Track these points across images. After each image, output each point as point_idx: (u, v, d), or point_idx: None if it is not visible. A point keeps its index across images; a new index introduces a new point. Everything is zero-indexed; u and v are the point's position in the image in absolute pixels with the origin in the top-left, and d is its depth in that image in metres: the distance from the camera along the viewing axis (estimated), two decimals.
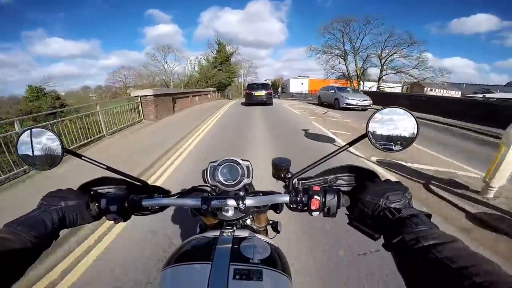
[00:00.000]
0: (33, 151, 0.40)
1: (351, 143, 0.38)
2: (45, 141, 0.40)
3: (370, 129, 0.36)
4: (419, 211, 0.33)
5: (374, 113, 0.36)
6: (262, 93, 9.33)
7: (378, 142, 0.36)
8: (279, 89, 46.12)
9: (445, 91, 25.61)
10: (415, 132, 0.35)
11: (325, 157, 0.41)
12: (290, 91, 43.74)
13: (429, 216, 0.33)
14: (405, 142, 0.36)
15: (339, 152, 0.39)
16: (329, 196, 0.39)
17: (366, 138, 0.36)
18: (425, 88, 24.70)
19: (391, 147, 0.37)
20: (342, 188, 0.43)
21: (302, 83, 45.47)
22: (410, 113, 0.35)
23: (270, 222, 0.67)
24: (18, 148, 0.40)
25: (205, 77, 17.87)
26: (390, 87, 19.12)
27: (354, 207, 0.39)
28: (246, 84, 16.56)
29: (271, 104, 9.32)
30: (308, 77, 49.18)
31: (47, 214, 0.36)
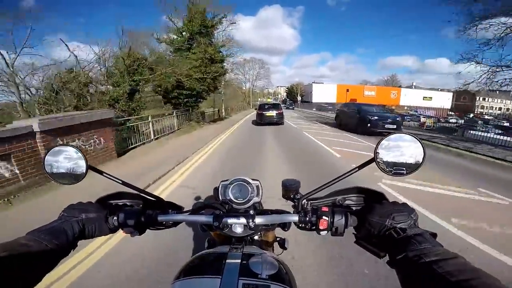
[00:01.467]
0: (59, 168, 0.49)
1: (359, 167, 0.46)
2: (71, 158, 0.49)
3: (378, 154, 0.44)
4: (424, 231, 0.40)
5: (382, 139, 0.44)
6: (273, 113, 10.85)
7: (385, 166, 0.44)
8: (298, 97, 46.89)
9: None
10: (421, 158, 0.43)
11: (333, 179, 0.49)
12: (313, 100, 44.00)
13: (434, 235, 0.40)
14: (411, 168, 0.43)
15: (348, 176, 0.47)
16: (337, 217, 0.48)
17: (374, 162, 0.43)
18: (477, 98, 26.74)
19: (397, 171, 0.44)
20: (351, 209, 0.52)
21: (329, 90, 44.93)
22: (418, 140, 0.43)
23: (278, 239, 0.78)
24: (45, 165, 0.49)
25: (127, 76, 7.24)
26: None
27: (361, 227, 0.47)
28: (257, 101, 23.86)
29: (282, 123, 10.94)
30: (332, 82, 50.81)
31: (69, 225, 0.44)
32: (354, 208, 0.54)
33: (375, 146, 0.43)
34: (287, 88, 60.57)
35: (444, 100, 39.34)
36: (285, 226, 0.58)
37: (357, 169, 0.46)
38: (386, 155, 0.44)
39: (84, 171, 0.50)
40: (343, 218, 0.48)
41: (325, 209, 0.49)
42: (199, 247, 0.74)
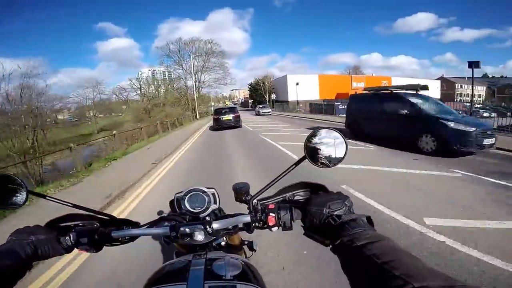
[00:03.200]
0: None
1: (296, 164, 0.61)
2: (9, 184, 0.61)
3: (307, 149, 0.59)
4: (358, 216, 0.53)
5: (310, 135, 0.59)
6: (230, 116, 14.10)
7: (314, 160, 0.59)
8: (271, 96, 43.92)
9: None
10: (344, 151, 0.59)
11: (275, 178, 0.64)
12: (290, 98, 42.05)
13: (369, 218, 0.53)
14: (337, 160, 0.59)
15: (286, 174, 0.63)
16: (283, 212, 0.62)
17: (306, 159, 0.59)
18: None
19: (323, 163, 0.59)
20: (298, 203, 0.66)
21: (309, 83, 43.53)
22: (341, 135, 0.59)
23: (245, 242, 1.03)
24: None
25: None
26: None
27: (306, 219, 0.61)
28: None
29: (240, 126, 14.30)
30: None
31: (20, 246, 0.52)
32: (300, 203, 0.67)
33: (304, 141, 0.59)
34: (250, 86, 56.27)
35: (433, 89, 41.75)
36: (249, 228, 0.67)
37: (294, 165, 0.62)
38: (313, 150, 0.59)
39: (24, 197, 0.62)
40: (288, 212, 0.62)
41: (271, 206, 0.64)
42: (168, 261, 0.75)
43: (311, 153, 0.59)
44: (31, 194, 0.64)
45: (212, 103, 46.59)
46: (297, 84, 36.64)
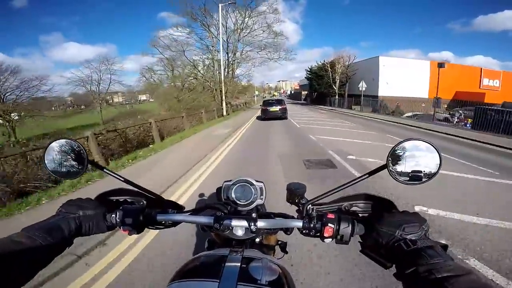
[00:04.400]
0: (59, 162, 0.64)
1: (370, 173, 0.59)
2: (71, 152, 0.64)
3: (390, 160, 0.56)
4: (435, 243, 0.50)
5: (395, 146, 0.56)
6: (277, 108, 16.06)
7: (397, 175, 0.56)
8: (345, 88, 32.96)
9: None
10: (437, 167, 0.54)
11: (341, 186, 0.63)
12: (381, 92, 28.80)
13: (445, 247, 0.50)
14: (426, 176, 0.55)
15: (357, 182, 0.61)
16: (343, 224, 0.59)
17: (386, 169, 0.56)
18: None
19: (409, 181, 0.55)
20: (357, 216, 0.67)
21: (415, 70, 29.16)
22: (434, 147, 0.54)
23: (279, 242, 1.00)
24: (46, 159, 0.64)
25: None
26: None
27: (368, 236, 0.58)
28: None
29: (286, 118, 16.28)
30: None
31: (65, 222, 0.57)
32: (360, 215, 0.68)
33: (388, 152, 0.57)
34: (309, 72, 40.01)
35: None
36: (287, 230, 0.72)
37: (367, 175, 0.59)
38: (399, 163, 0.55)
39: (84, 166, 0.65)
40: (350, 225, 0.59)
41: (331, 216, 0.61)
42: (199, 247, 1.05)
43: (395, 163, 0.57)
44: (90, 164, 0.67)
45: (257, 93, 40.41)
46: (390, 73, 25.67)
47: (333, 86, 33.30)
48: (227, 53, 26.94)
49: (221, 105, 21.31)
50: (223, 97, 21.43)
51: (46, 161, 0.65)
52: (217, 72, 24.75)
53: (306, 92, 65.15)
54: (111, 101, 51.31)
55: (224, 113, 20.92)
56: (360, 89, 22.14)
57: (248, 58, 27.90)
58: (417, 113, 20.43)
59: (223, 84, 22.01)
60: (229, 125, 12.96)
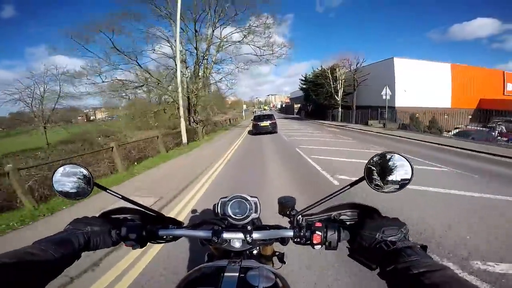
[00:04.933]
0: (66, 184, 0.71)
1: (351, 185, 0.65)
2: (77, 175, 0.71)
3: (367, 171, 0.62)
4: (414, 243, 0.54)
5: (372, 158, 0.63)
6: (267, 123, 16.34)
7: (375, 184, 0.62)
8: (353, 98, 26.16)
9: None
10: (410, 175, 0.61)
11: (326, 197, 0.70)
12: (398, 103, 22.31)
13: (424, 247, 0.54)
14: (399, 185, 0.62)
15: (340, 193, 0.67)
16: (330, 231, 0.65)
17: (365, 180, 0.63)
18: None
19: (386, 189, 0.62)
20: (345, 224, 0.72)
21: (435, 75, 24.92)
22: (405, 158, 0.62)
23: (276, 253, 1.04)
24: (54, 182, 0.71)
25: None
26: None
27: (354, 241, 0.64)
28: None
29: (276, 132, 16.45)
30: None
31: (75, 236, 0.61)
32: (348, 223, 0.73)
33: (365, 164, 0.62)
34: (303, 81, 34.85)
35: None
36: (283, 241, 0.77)
37: (349, 186, 0.66)
38: (375, 173, 0.62)
39: (90, 188, 0.71)
40: (336, 232, 0.65)
41: (318, 224, 0.67)
42: (198, 260, 0.87)
43: (371, 175, 0.63)
44: (96, 187, 0.71)
45: (245, 107, 38.62)
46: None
47: (335, 96, 27.23)
48: (196, 48, 17.30)
49: (183, 126, 12.25)
50: (181, 113, 12.39)
51: (54, 183, 0.71)
52: (185, 77, 16.27)
53: (299, 105, 59.05)
54: (93, 117, 45.59)
55: (184, 139, 11.95)
56: (384, 97, 16.25)
57: (230, 54, 18.86)
58: (460, 128, 15.08)
59: (179, 90, 12.53)
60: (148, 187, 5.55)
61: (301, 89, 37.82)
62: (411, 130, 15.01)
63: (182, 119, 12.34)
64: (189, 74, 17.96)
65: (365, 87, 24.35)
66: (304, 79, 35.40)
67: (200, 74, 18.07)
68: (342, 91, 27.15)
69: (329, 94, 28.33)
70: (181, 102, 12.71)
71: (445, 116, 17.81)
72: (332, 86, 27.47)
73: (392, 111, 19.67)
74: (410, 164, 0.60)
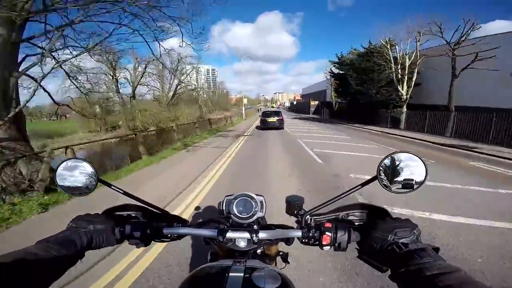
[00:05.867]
0: (70, 179, 0.67)
1: (362, 184, 0.63)
2: (82, 170, 0.68)
3: (380, 171, 0.60)
4: (426, 245, 0.53)
5: (384, 158, 0.61)
6: (275, 119, 16.60)
7: (387, 184, 0.60)
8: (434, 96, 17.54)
9: None
10: (423, 176, 0.59)
11: (336, 196, 0.67)
12: None
13: (436, 249, 0.53)
14: (413, 186, 0.59)
15: (351, 193, 0.65)
16: (340, 232, 0.63)
17: (377, 180, 0.61)
18: None
19: (399, 189, 0.60)
20: (353, 224, 0.70)
21: None
22: (419, 158, 0.59)
23: (280, 253, 1.02)
24: (57, 177, 0.68)
25: None
26: None
27: (364, 242, 0.62)
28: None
29: (282, 128, 16.61)
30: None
31: (77, 235, 0.59)
32: (357, 224, 0.71)
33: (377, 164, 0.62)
34: (337, 62, 23.40)
35: None
36: (288, 240, 0.77)
37: (360, 186, 0.64)
38: (388, 174, 0.60)
39: (94, 183, 0.68)
40: (346, 233, 0.64)
41: (328, 224, 0.65)
42: (201, 259, 0.94)
43: (383, 175, 0.61)
44: (100, 182, 0.69)
45: (245, 101, 34.03)
46: None
47: (399, 88, 16.37)
48: None
49: None
50: None
51: (57, 178, 0.68)
52: None
53: (316, 102, 46.79)
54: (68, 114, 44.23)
55: None
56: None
57: None
58: None
59: None
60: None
61: (333, 75, 25.84)
62: None
63: None
64: None
65: (429, 78, 13.74)
66: (338, 60, 23.17)
67: None
68: (407, 79, 15.99)
69: (385, 82, 17.48)
70: None
71: None
72: (394, 70, 16.32)
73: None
74: (424, 165, 0.59)
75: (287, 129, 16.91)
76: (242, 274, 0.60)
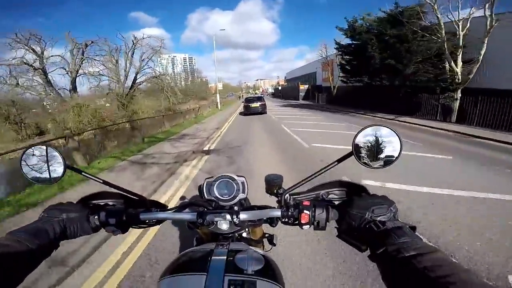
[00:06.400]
0: (36, 168, 0.64)
1: (339, 160, 0.63)
2: (48, 157, 0.64)
3: (355, 147, 0.59)
4: (403, 224, 0.53)
5: (358, 132, 0.59)
6: (257, 104, 18.22)
7: (363, 160, 0.59)
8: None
9: None
10: (398, 151, 0.58)
11: (313, 174, 0.66)
12: None
13: (413, 228, 0.53)
14: (388, 161, 0.58)
15: (328, 169, 0.64)
16: (318, 210, 0.63)
17: (353, 156, 0.59)
18: None
19: (374, 165, 0.59)
20: (333, 203, 0.69)
21: None
22: (395, 132, 0.58)
23: (266, 235, 1.03)
24: (22, 165, 0.64)
25: None
26: None
27: (343, 221, 0.62)
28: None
29: (265, 113, 18.30)
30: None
31: (50, 225, 0.58)
32: (336, 203, 0.70)
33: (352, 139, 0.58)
34: (350, 28, 17.42)
35: None
36: (272, 222, 0.73)
37: (336, 162, 0.63)
38: (363, 149, 0.58)
39: (62, 170, 0.65)
40: (324, 211, 0.63)
41: (306, 203, 0.65)
42: (187, 245, 0.90)
43: (359, 150, 0.60)
44: (69, 169, 0.67)
45: (220, 86, 32.31)
46: None
47: (452, 64, 10.96)
48: None
49: None
50: None
51: (23, 168, 0.65)
52: None
53: (306, 86, 40.29)
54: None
55: None
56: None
57: None
58: None
59: None
60: None
61: (341, 49, 18.79)
62: None
63: None
64: None
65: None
66: (351, 26, 16.23)
67: None
68: (461, 53, 10.77)
69: (422, 57, 12.26)
70: None
71: None
72: (442, 38, 10.90)
73: None
74: (400, 139, 0.58)
75: (285, 127, 11.01)
76: (225, 257, 0.61)
